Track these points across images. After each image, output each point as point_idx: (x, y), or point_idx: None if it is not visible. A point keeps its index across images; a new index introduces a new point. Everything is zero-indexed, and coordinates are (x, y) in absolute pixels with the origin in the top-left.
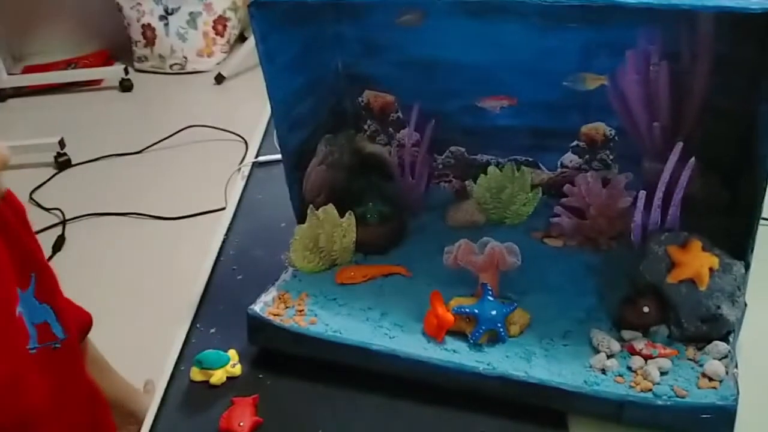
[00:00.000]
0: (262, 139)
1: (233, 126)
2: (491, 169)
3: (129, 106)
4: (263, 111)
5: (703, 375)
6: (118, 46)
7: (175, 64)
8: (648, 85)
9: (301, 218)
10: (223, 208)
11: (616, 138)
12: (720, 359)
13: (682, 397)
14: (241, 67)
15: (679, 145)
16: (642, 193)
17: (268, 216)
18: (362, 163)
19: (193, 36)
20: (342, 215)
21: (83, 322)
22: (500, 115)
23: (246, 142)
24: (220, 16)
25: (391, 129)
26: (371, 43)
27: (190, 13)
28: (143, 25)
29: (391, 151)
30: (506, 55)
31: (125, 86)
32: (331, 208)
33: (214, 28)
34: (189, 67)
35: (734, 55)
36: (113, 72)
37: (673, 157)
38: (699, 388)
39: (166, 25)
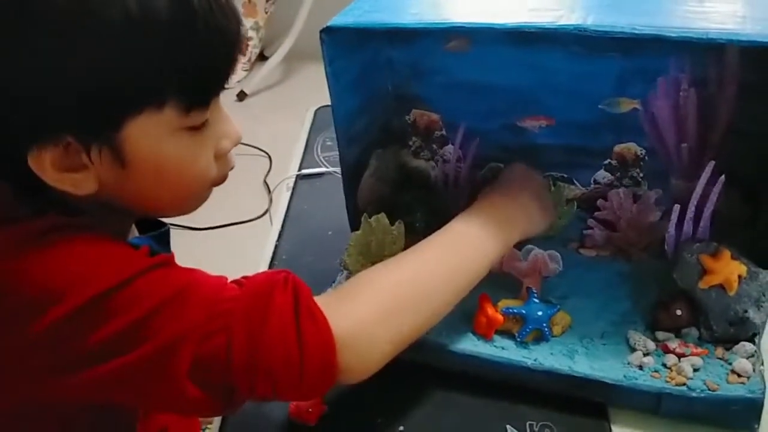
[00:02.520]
0: (304, 153)
1: (256, 141)
2: None
3: None
4: (289, 127)
5: (732, 372)
6: None
7: None
8: (677, 109)
9: (355, 226)
10: (257, 218)
11: (646, 157)
12: (747, 358)
13: (714, 391)
14: (262, 85)
15: (711, 164)
16: (676, 207)
17: (315, 225)
18: (407, 177)
19: None
20: (391, 224)
21: None
22: (538, 134)
23: (270, 157)
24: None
25: (434, 145)
26: (420, 67)
27: None
28: None
29: (434, 165)
30: (546, 79)
31: None
32: (382, 216)
33: None
34: None
35: (758, 82)
36: None
37: (706, 175)
38: (729, 383)
39: None
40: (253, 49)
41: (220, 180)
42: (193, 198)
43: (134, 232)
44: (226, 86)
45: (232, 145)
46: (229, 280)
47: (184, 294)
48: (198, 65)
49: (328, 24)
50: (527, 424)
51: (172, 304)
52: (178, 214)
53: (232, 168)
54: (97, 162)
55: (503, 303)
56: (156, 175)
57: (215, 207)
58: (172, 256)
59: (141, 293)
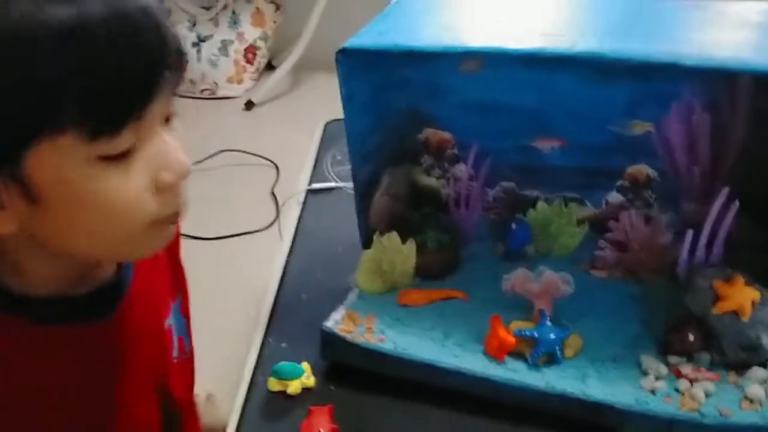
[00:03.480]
0: (314, 168)
1: (263, 151)
2: (540, 204)
3: None
4: (297, 137)
5: (746, 398)
6: None
7: (206, 89)
8: (690, 133)
9: (367, 244)
10: (265, 229)
11: (658, 179)
12: (760, 384)
13: (727, 417)
14: (270, 95)
15: (726, 190)
16: (689, 232)
17: (326, 241)
18: (418, 195)
19: (224, 63)
20: (402, 242)
21: None
22: (550, 155)
23: (277, 167)
24: (250, 45)
25: (446, 164)
26: (434, 87)
27: (222, 41)
28: None
29: (445, 184)
30: (559, 101)
31: None
32: (394, 235)
33: (244, 56)
34: (219, 93)
35: None
36: None
37: (720, 199)
38: (742, 409)
39: (199, 51)
40: (261, 59)
41: (168, 217)
42: (126, 238)
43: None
44: (147, 109)
45: (176, 178)
46: None
47: None
48: (100, 87)
49: (344, 46)
50: None
51: None
52: (118, 258)
53: (184, 204)
54: (7, 199)
55: (515, 325)
56: (73, 210)
57: (221, 217)
58: None
59: None
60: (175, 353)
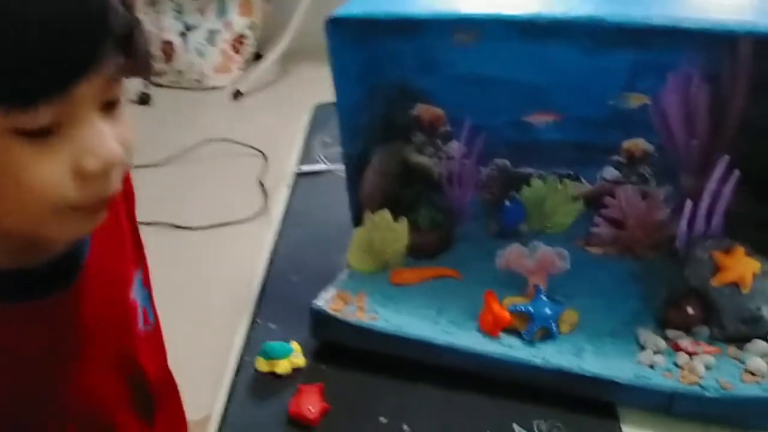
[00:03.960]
0: (303, 151)
1: (251, 140)
2: (534, 181)
3: (147, 119)
4: (284, 126)
5: (746, 371)
6: None
7: (193, 79)
8: (688, 105)
9: (358, 222)
10: (253, 218)
11: (655, 154)
12: (761, 356)
13: (729, 390)
14: (258, 84)
15: (725, 159)
16: (688, 203)
17: (315, 223)
18: (410, 173)
19: (211, 53)
20: (394, 221)
21: None
22: (545, 129)
23: (265, 156)
24: (238, 35)
25: (438, 141)
26: (426, 60)
27: (209, 31)
28: (163, 41)
29: (437, 162)
30: (554, 74)
31: (143, 100)
32: (386, 213)
33: (232, 45)
34: (206, 83)
35: None
36: (132, 85)
37: (719, 170)
38: (743, 382)
39: (185, 41)
40: (248, 48)
41: (88, 204)
42: (41, 219)
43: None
44: (71, 89)
45: (100, 165)
46: None
47: None
48: (12, 56)
49: (334, 14)
50: (534, 423)
51: None
52: (42, 237)
53: (111, 194)
54: None
55: (510, 301)
56: None
57: (209, 206)
58: None
59: None
60: (140, 324)
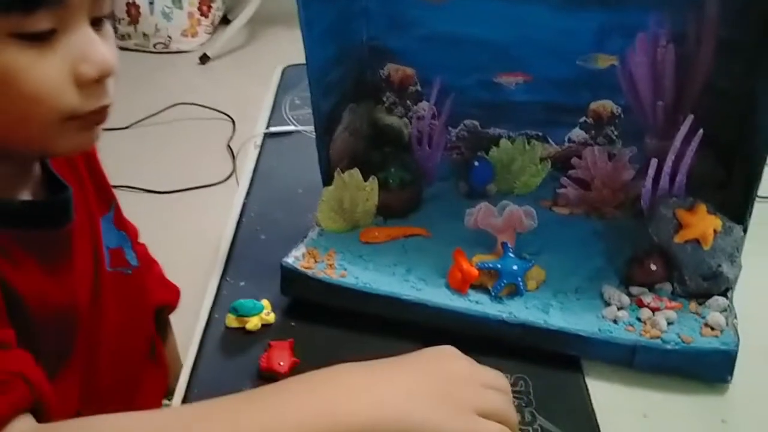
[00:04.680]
0: (271, 112)
1: (219, 105)
2: (503, 142)
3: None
4: (253, 90)
5: (706, 325)
6: None
7: (159, 43)
8: (655, 66)
9: (328, 181)
10: (222, 182)
11: (622, 115)
12: (720, 312)
13: (689, 343)
14: (226, 48)
15: (690, 118)
16: (653, 162)
17: (285, 183)
18: (380, 133)
19: (178, 15)
20: (364, 180)
21: (173, 294)
22: (515, 90)
23: (233, 120)
24: None
25: (408, 101)
26: (396, 18)
27: None
28: (128, 3)
29: (407, 122)
30: (525, 34)
31: None
32: (356, 172)
33: (199, 8)
34: (173, 47)
35: (737, 39)
36: None
37: (683, 129)
38: (703, 336)
39: (151, 3)
40: (216, 11)
41: (90, 115)
42: (46, 126)
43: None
44: None
45: (96, 73)
46: None
47: None
48: None
49: None
50: None
51: None
52: (37, 150)
53: (107, 104)
54: None
55: (478, 258)
56: None
57: (177, 171)
58: None
59: None
60: (107, 266)
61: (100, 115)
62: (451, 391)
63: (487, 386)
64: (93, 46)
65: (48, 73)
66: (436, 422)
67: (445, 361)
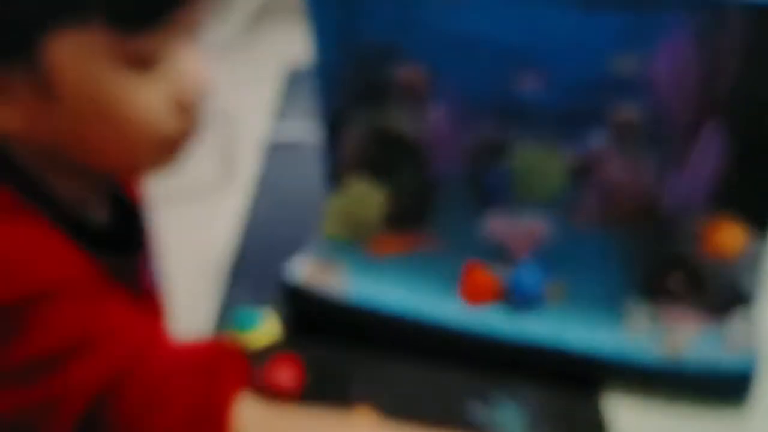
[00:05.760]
0: (274, 120)
1: (220, 107)
2: (520, 148)
3: None
4: (256, 91)
5: (727, 342)
6: None
7: None
8: (678, 69)
9: (333, 188)
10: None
11: (644, 120)
12: (742, 327)
13: (710, 361)
14: (225, 45)
15: (713, 126)
16: (675, 172)
17: (288, 193)
18: (389, 138)
19: None
20: (371, 187)
21: None
22: (532, 94)
23: (232, 123)
24: None
25: (420, 104)
26: (408, 18)
27: None
28: None
29: (417, 126)
30: (543, 36)
31: None
32: (363, 178)
33: None
34: None
35: (763, 43)
36: None
37: (705, 138)
38: (723, 353)
39: None
40: (214, 8)
41: (180, 138)
42: (142, 152)
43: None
44: (180, 12)
45: (197, 94)
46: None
47: (101, 340)
48: None
49: None
50: (517, 391)
51: (85, 348)
52: (124, 172)
53: (196, 127)
54: (20, 89)
55: (493, 270)
56: (92, 112)
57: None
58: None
59: (60, 320)
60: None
61: (188, 139)
62: None
63: None
64: (194, 68)
65: (152, 99)
66: None
67: None
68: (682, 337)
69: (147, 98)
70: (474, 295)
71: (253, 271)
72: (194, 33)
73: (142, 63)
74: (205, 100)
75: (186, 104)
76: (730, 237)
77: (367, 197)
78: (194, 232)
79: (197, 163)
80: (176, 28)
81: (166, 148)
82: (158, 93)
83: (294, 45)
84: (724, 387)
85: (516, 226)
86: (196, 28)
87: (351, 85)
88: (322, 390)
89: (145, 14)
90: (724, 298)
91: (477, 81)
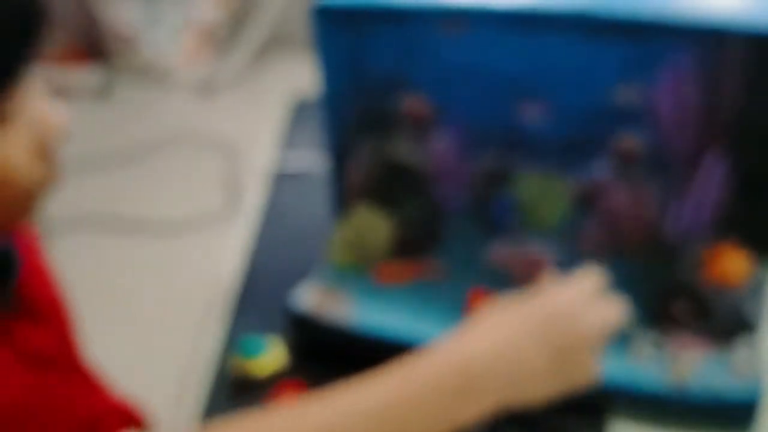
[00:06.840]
0: (278, 151)
1: (222, 137)
2: (524, 177)
3: (107, 113)
4: (258, 122)
5: (732, 369)
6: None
7: (159, 71)
8: (679, 100)
9: (340, 216)
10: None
11: (646, 149)
12: (747, 355)
13: (715, 389)
14: (229, 77)
15: (715, 155)
16: (677, 200)
17: (292, 223)
18: (394, 167)
19: (177, 44)
20: (378, 215)
21: None
22: (536, 124)
23: (235, 153)
24: (207, 25)
25: (424, 134)
26: (412, 49)
27: (177, 19)
28: (125, 29)
29: (423, 155)
30: (545, 66)
31: (103, 92)
32: (369, 206)
33: (201, 35)
34: (173, 75)
35: (764, 73)
36: (91, 76)
37: (707, 167)
38: (728, 380)
39: (149, 30)
40: (219, 39)
41: (42, 185)
42: (10, 206)
43: None
44: (24, 70)
45: (59, 136)
46: None
47: None
48: None
49: (320, 4)
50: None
51: None
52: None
53: (56, 172)
54: None
55: (497, 299)
56: None
57: (176, 206)
58: None
59: None
60: None
61: (50, 185)
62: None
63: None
64: (52, 112)
65: (10, 152)
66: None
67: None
68: (688, 365)
69: (6, 153)
70: None
71: (259, 299)
72: (43, 78)
73: (3, 118)
74: (63, 143)
75: (45, 151)
76: (734, 264)
77: (373, 226)
78: (201, 261)
79: (204, 193)
80: (25, 81)
81: (30, 198)
82: (17, 146)
83: (300, 76)
84: (730, 414)
85: (521, 254)
86: (45, 74)
87: (357, 116)
88: None
89: (11, 75)
90: (728, 325)
91: (481, 111)
